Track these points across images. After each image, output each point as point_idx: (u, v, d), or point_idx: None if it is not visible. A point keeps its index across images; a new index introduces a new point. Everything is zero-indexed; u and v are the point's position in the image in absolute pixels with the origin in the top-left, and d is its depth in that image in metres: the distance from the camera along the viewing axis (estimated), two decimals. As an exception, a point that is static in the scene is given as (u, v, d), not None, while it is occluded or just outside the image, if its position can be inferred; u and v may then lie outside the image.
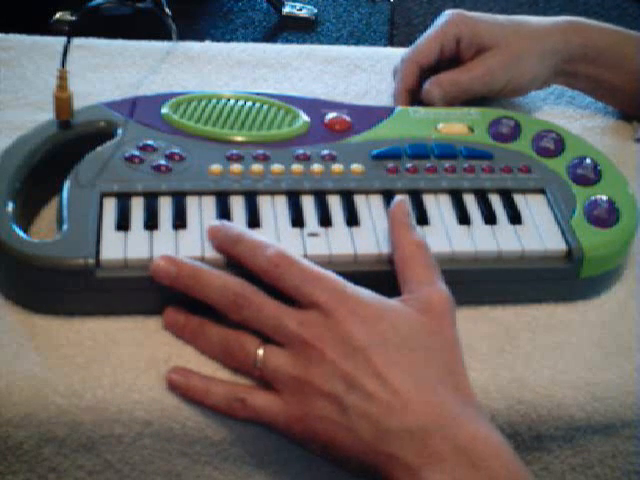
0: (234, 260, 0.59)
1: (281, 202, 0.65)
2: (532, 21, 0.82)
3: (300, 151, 0.69)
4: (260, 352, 0.56)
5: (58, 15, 2.01)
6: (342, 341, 0.54)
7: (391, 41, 2.09)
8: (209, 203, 0.64)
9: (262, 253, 0.57)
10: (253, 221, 0.63)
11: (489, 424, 0.54)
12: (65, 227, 0.61)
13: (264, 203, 0.65)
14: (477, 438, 0.52)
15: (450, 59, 0.82)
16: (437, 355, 0.55)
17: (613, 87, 0.84)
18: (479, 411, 0.54)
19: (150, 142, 0.68)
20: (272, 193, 0.66)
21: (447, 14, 0.82)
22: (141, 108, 0.71)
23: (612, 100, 0.86)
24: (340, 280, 0.57)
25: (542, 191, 0.69)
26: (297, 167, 0.67)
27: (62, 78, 0.67)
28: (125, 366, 0.58)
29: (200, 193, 0.65)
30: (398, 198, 0.63)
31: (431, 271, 0.58)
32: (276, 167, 0.67)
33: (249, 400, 0.56)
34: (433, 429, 0.52)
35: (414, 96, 0.81)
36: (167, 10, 0.89)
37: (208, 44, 0.93)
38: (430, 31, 0.82)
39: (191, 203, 0.64)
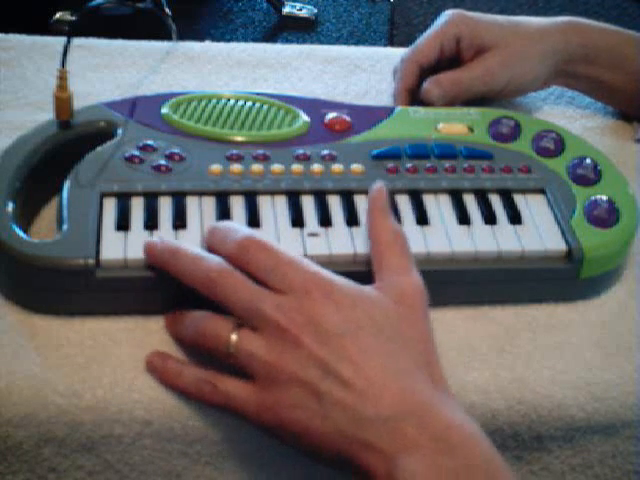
0: (209, 247, 0.58)
1: (281, 202, 0.65)
2: (532, 21, 0.83)
3: (300, 151, 0.69)
4: (234, 337, 0.54)
5: (58, 15, 2.01)
6: (317, 327, 0.53)
7: (391, 41, 2.09)
8: (209, 203, 0.64)
9: (232, 237, 0.57)
10: (253, 221, 0.63)
11: (464, 414, 0.53)
12: (65, 227, 0.61)
13: (264, 203, 0.65)
14: (452, 426, 0.52)
15: (450, 59, 0.82)
16: (411, 345, 0.55)
17: (613, 88, 0.84)
18: (454, 401, 0.54)
19: (150, 142, 0.68)
20: (272, 193, 0.66)
21: (447, 14, 0.82)
22: (141, 108, 0.71)
23: (612, 101, 0.86)
24: (314, 265, 0.56)
25: (542, 191, 0.69)
26: (297, 167, 0.67)
27: (62, 78, 0.67)
28: (125, 366, 0.58)
29: (200, 193, 0.65)
30: (378, 184, 0.62)
31: (406, 260, 0.58)
32: (276, 167, 0.67)
33: (220, 385, 0.55)
34: (408, 417, 0.51)
35: (414, 96, 0.81)
36: (167, 10, 0.89)
37: (208, 44, 0.93)
38: (430, 31, 0.82)
39: (191, 203, 0.64)
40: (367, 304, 0.55)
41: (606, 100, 0.87)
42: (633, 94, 0.83)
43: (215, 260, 0.56)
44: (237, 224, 0.59)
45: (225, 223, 0.59)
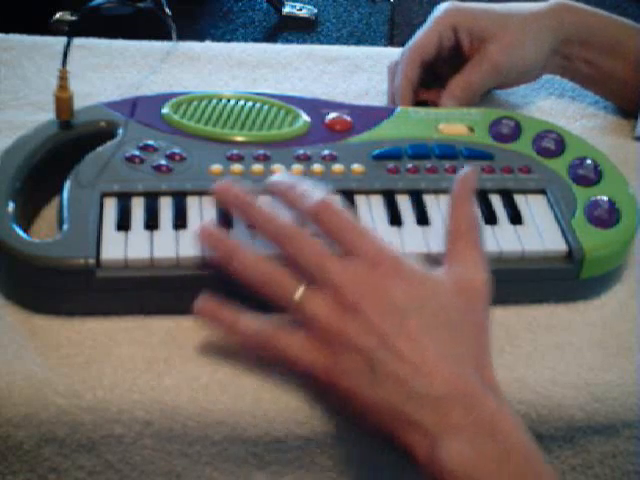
0: (287, 201, 0.59)
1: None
2: (526, 5, 0.83)
3: (300, 151, 0.69)
4: (300, 291, 0.55)
5: (58, 15, 2.01)
6: (381, 298, 0.54)
7: (391, 41, 2.09)
8: (209, 203, 0.64)
9: (313, 195, 0.57)
10: (253, 221, 0.63)
11: (510, 408, 0.54)
12: (65, 227, 0.61)
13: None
14: (497, 413, 0.53)
15: (450, 51, 0.82)
16: (468, 335, 0.55)
17: (609, 74, 0.84)
18: (501, 395, 0.55)
19: (150, 142, 0.68)
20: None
21: (442, 6, 0.83)
22: (141, 108, 0.71)
23: (608, 90, 0.86)
24: (386, 241, 0.57)
25: (543, 191, 0.69)
26: (297, 167, 0.67)
27: (63, 78, 0.67)
28: (125, 366, 0.58)
29: (200, 193, 0.65)
30: (472, 168, 0.63)
31: (478, 254, 0.59)
32: (276, 167, 0.67)
33: (280, 337, 0.55)
34: (456, 400, 0.52)
35: (416, 93, 0.82)
36: (167, 10, 0.89)
37: (208, 44, 0.93)
38: (427, 24, 0.83)
39: (191, 203, 0.64)
40: (432, 286, 0.56)
41: (603, 91, 0.87)
42: (628, 82, 0.84)
43: (288, 217, 0.57)
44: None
45: (305, 182, 0.59)
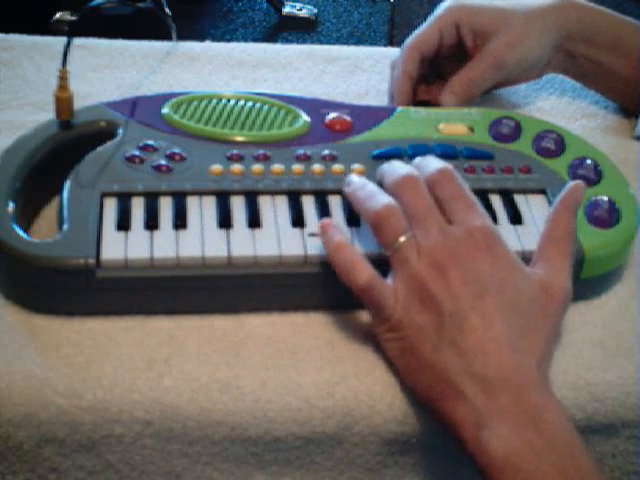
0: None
1: (282, 202, 0.65)
2: (529, 2, 0.83)
3: (300, 151, 0.69)
4: (402, 238, 0.57)
5: (58, 15, 2.01)
6: (469, 268, 0.56)
7: (391, 41, 2.09)
8: (209, 203, 0.64)
9: (437, 162, 0.62)
10: (254, 221, 0.63)
11: (563, 409, 0.55)
12: (65, 227, 0.61)
13: (264, 203, 0.65)
14: (545, 408, 0.53)
15: (451, 48, 0.82)
16: (539, 330, 0.57)
17: (611, 72, 0.84)
18: (554, 395, 0.56)
19: (151, 142, 0.68)
20: (273, 193, 0.66)
21: (445, 3, 0.83)
22: (141, 108, 0.71)
23: (610, 88, 0.86)
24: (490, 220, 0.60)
25: (543, 191, 0.69)
26: (297, 167, 0.67)
27: (63, 78, 0.67)
28: (125, 366, 0.58)
29: (201, 193, 0.65)
30: (580, 184, 0.63)
31: (566, 263, 0.60)
32: (276, 167, 0.67)
33: (365, 274, 0.57)
34: (508, 386, 0.53)
35: (417, 91, 0.82)
36: (167, 10, 0.89)
37: (208, 44, 0.93)
38: (429, 20, 0.83)
39: (192, 203, 0.64)
40: (519, 274, 0.58)
41: (603, 89, 0.87)
42: (630, 79, 0.84)
43: (407, 169, 0.61)
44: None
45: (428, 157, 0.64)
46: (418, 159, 0.64)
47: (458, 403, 0.54)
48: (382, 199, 0.59)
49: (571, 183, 0.63)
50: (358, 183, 0.62)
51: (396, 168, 0.62)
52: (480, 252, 0.57)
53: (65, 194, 0.63)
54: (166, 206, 0.64)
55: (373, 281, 0.57)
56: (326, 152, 0.69)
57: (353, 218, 0.64)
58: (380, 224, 0.59)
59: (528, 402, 0.53)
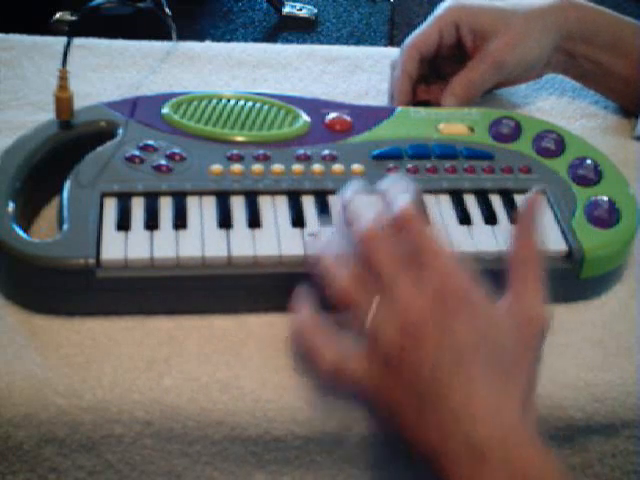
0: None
1: (281, 202, 0.65)
2: (529, 2, 0.83)
3: (300, 151, 0.69)
4: (369, 318, 0.54)
5: (58, 15, 2.01)
6: (443, 332, 0.53)
7: (391, 41, 2.09)
8: (209, 203, 0.64)
9: (400, 203, 0.57)
10: (253, 221, 0.63)
11: (545, 448, 0.53)
12: (65, 227, 0.61)
13: (264, 203, 0.65)
14: (533, 464, 0.52)
15: (451, 49, 0.82)
16: (521, 373, 0.55)
17: (611, 72, 0.84)
18: (539, 437, 0.54)
19: (151, 142, 0.68)
20: (273, 193, 0.66)
21: (445, 3, 0.83)
22: (141, 108, 0.71)
23: (610, 88, 0.86)
24: (457, 261, 0.56)
25: (543, 191, 0.69)
26: (297, 167, 0.67)
27: (63, 78, 0.67)
28: (125, 366, 0.58)
29: (201, 193, 0.65)
30: (536, 196, 0.61)
31: (540, 284, 0.58)
32: (276, 167, 0.67)
33: (345, 367, 0.55)
34: (495, 448, 0.51)
35: (417, 91, 0.82)
36: (167, 10, 0.89)
37: (208, 44, 0.93)
38: (429, 20, 0.83)
39: (192, 203, 0.64)
40: (494, 321, 0.55)
41: (604, 88, 0.87)
42: (630, 80, 0.84)
43: (369, 219, 0.56)
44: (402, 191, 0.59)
45: (398, 185, 0.59)
46: (384, 184, 0.60)
47: (447, 462, 0.52)
48: (344, 276, 0.56)
49: (527, 196, 0.61)
50: (327, 236, 0.59)
51: (358, 216, 0.57)
52: (452, 313, 0.54)
53: (65, 194, 0.63)
54: (166, 206, 0.64)
55: (338, 364, 0.55)
56: (326, 152, 0.69)
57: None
58: (345, 303, 0.56)
59: (514, 462, 0.51)
